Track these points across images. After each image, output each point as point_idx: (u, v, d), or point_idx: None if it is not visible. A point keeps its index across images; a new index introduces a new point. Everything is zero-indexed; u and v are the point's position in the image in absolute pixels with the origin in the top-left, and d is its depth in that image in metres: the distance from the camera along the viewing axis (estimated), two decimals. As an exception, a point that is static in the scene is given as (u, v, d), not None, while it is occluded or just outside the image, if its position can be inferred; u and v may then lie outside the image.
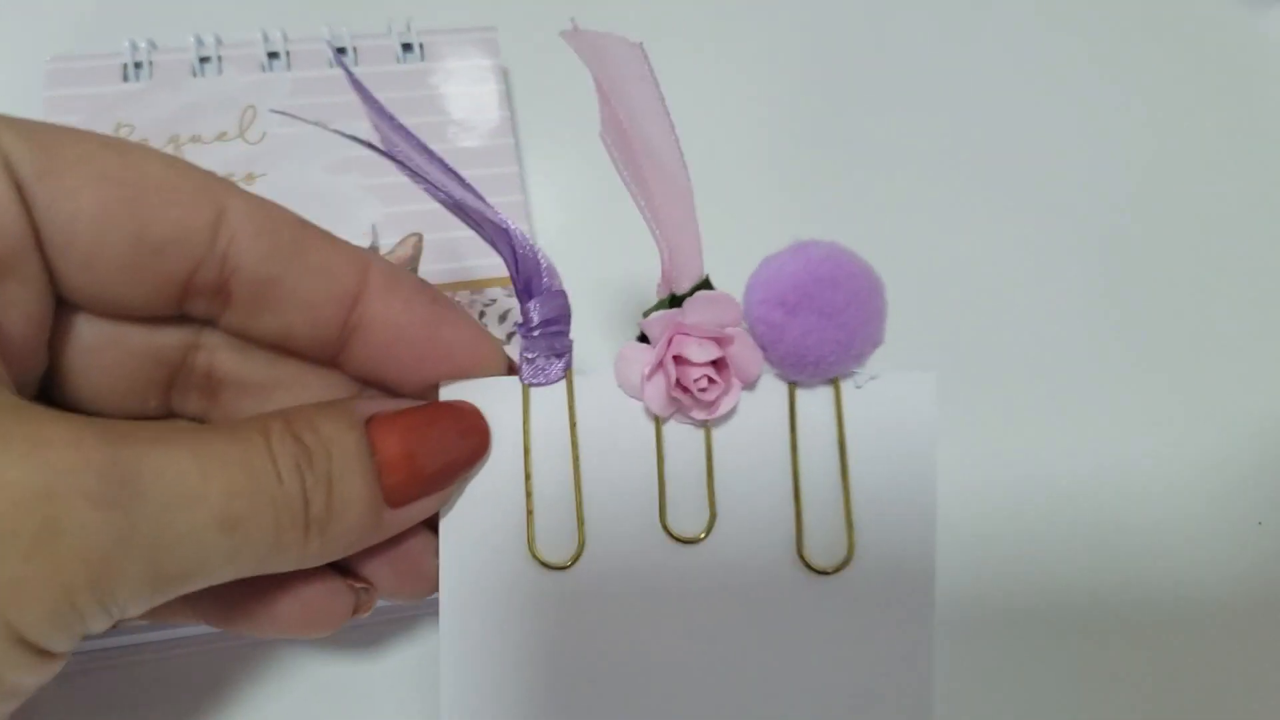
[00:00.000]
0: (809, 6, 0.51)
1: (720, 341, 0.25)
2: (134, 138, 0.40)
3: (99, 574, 0.20)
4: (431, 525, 0.27)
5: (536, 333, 0.26)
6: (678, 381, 0.25)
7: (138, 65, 0.42)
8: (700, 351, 0.25)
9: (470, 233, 0.40)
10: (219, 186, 0.24)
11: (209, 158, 0.40)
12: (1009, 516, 0.39)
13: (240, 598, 0.26)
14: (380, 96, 0.24)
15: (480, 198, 0.24)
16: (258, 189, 0.39)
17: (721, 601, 0.26)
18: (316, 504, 0.24)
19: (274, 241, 0.24)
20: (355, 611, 0.27)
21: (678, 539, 0.26)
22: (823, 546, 0.26)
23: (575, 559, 0.26)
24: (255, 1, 0.47)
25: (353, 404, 0.26)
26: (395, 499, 0.25)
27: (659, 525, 0.26)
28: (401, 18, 0.44)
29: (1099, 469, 0.40)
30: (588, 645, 0.26)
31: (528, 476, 0.26)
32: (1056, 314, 0.44)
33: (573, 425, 0.26)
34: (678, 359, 0.25)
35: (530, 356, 0.26)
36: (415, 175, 0.23)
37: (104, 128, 0.40)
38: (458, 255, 0.39)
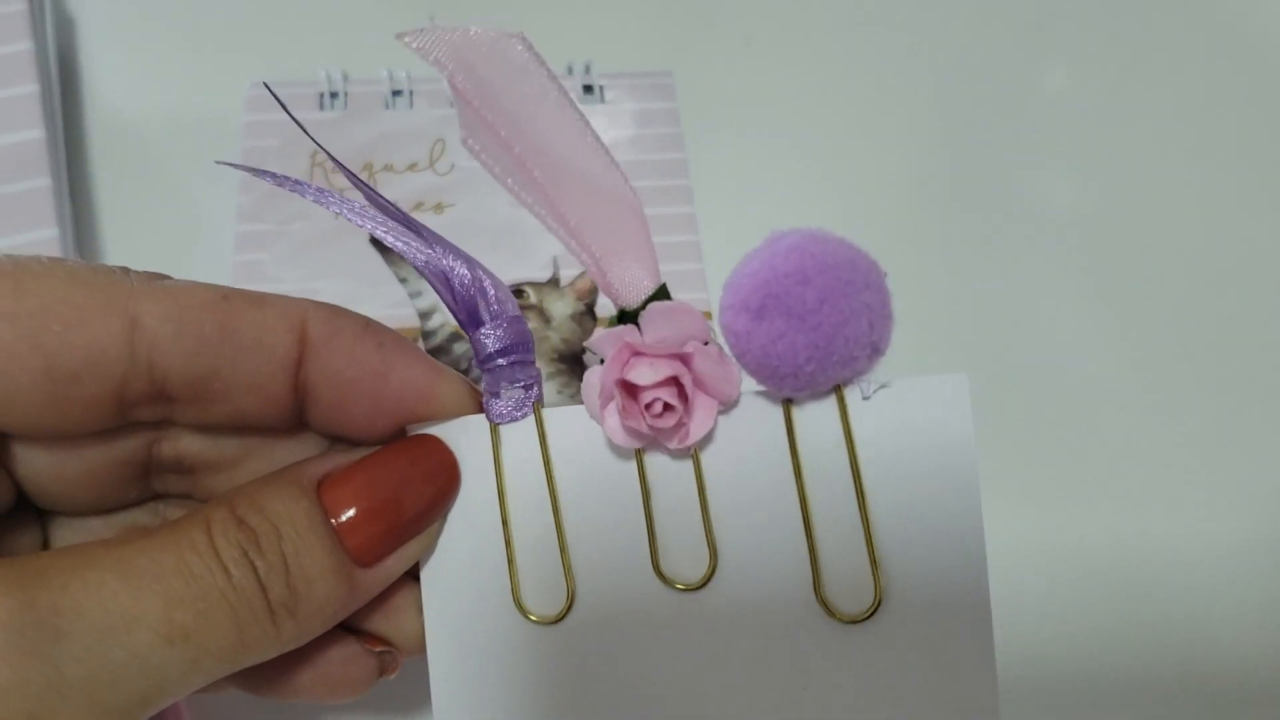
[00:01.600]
0: (949, 61, 0.51)
1: (681, 358, 0.22)
2: (329, 165, 0.42)
3: None
4: (414, 575, 0.25)
5: (496, 363, 0.23)
6: (632, 408, 0.22)
7: (333, 95, 0.44)
8: (650, 372, 0.22)
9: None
10: (126, 291, 0.22)
11: (400, 187, 0.42)
12: (1064, 589, 0.39)
13: (262, 672, 0.25)
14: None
15: (415, 228, 0.23)
16: (447, 218, 0.41)
17: (732, 657, 0.23)
18: (276, 587, 0.22)
19: (198, 336, 0.22)
20: (382, 673, 0.27)
21: (675, 585, 0.23)
22: (846, 589, 0.22)
23: (565, 612, 0.23)
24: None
25: (301, 469, 0.24)
26: (365, 558, 0.23)
27: (652, 571, 0.23)
28: (581, 60, 0.46)
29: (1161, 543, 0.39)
30: (585, 707, 0.24)
31: (505, 523, 0.24)
32: (1163, 401, 0.43)
33: (547, 464, 0.23)
34: (624, 384, 0.22)
35: (494, 391, 0.24)
36: (343, 209, 0.22)
37: (301, 153, 0.42)
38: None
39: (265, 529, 0.22)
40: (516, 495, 0.24)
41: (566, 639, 0.23)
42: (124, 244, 0.43)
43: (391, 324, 0.38)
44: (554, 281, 0.40)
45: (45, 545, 0.25)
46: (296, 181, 0.23)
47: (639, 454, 0.23)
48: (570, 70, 0.46)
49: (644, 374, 0.22)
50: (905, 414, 0.22)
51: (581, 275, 0.40)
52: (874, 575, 0.22)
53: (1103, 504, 0.40)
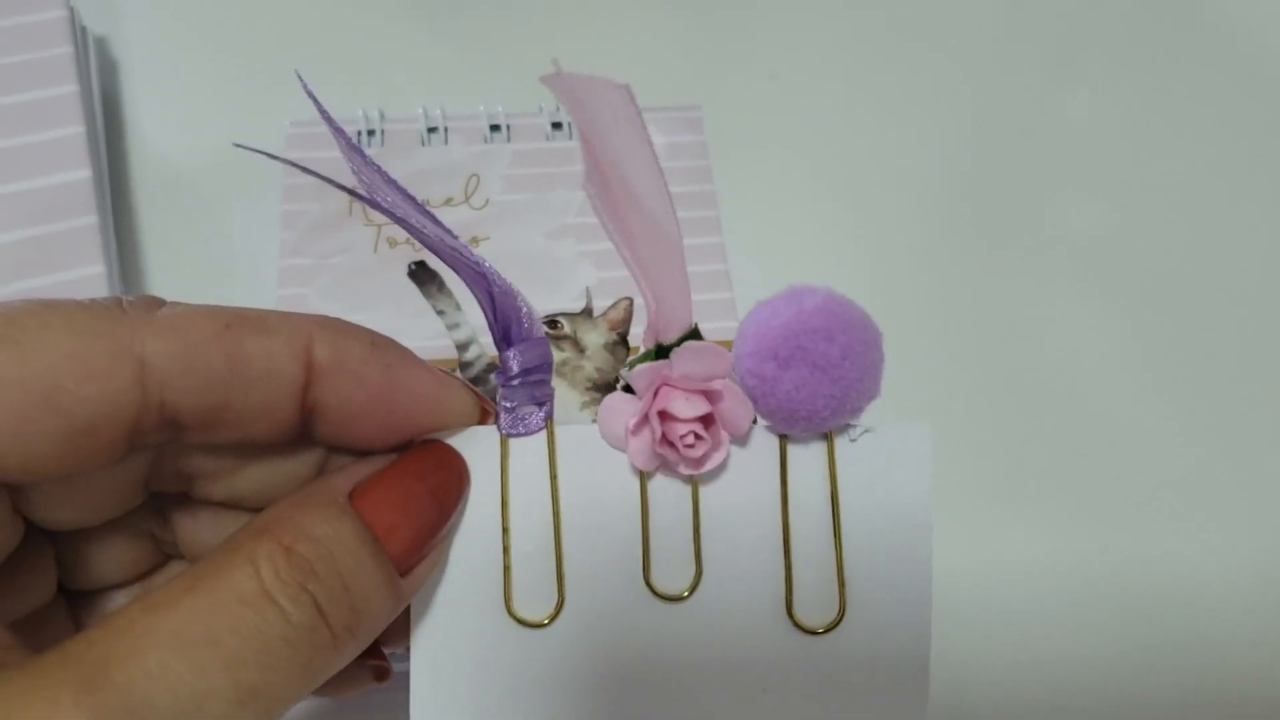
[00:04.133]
0: (972, 91, 0.52)
1: (709, 396, 0.24)
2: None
3: None
4: None
5: (516, 381, 0.25)
6: (664, 437, 0.24)
7: (370, 133, 0.45)
8: (688, 407, 0.24)
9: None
10: (129, 332, 0.22)
11: (436, 220, 0.43)
12: (1091, 610, 0.39)
13: None
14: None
15: (456, 241, 0.24)
16: (483, 250, 0.42)
17: (708, 661, 0.25)
18: (338, 613, 0.22)
19: (206, 373, 0.22)
20: (378, 679, 0.27)
21: (662, 596, 0.25)
22: (814, 605, 0.25)
23: (553, 616, 0.25)
24: (477, 77, 0.50)
25: (330, 485, 0.24)
26: (404, 566, 0.24)
27: (642, 582, 0.25)
28: (611, 95, 0.47)
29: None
30: (567, 708, 0.25)
31: (505, 530, 0.25)
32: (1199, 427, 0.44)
33: (553, 477, 0.25)
34: (663, 414, 0.24)
35: (509, 405, 0.25)
36: (396, 218, 0.23)
37: (340, 191, 0.43)
38: (667, 321, 0.41)
39: (319, 555, 0.22)
40: (517, 505, 0.25)
41: (553, 642, 0.25)
42: (168, 280, 0.44)
43: (429, 354, 0.39)
44: (587, 312, 0.41)
45: (57, 560, 0.26)
46: (351, 190, 0.24)
47: (644, 475, 0.25)
48: (600, 105, 0.46)
49: (682, 408, 0.24)
50: (879, 457, 0.25)
51: (614, 306, 0.41)
52: (840, 594, 0.25)
53: (1127, 525, 0.41)
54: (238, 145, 0.24)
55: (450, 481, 0.25)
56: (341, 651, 0.22)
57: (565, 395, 0.39)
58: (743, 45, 0.52)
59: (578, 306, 0.41)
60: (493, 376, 0.39)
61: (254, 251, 0.44)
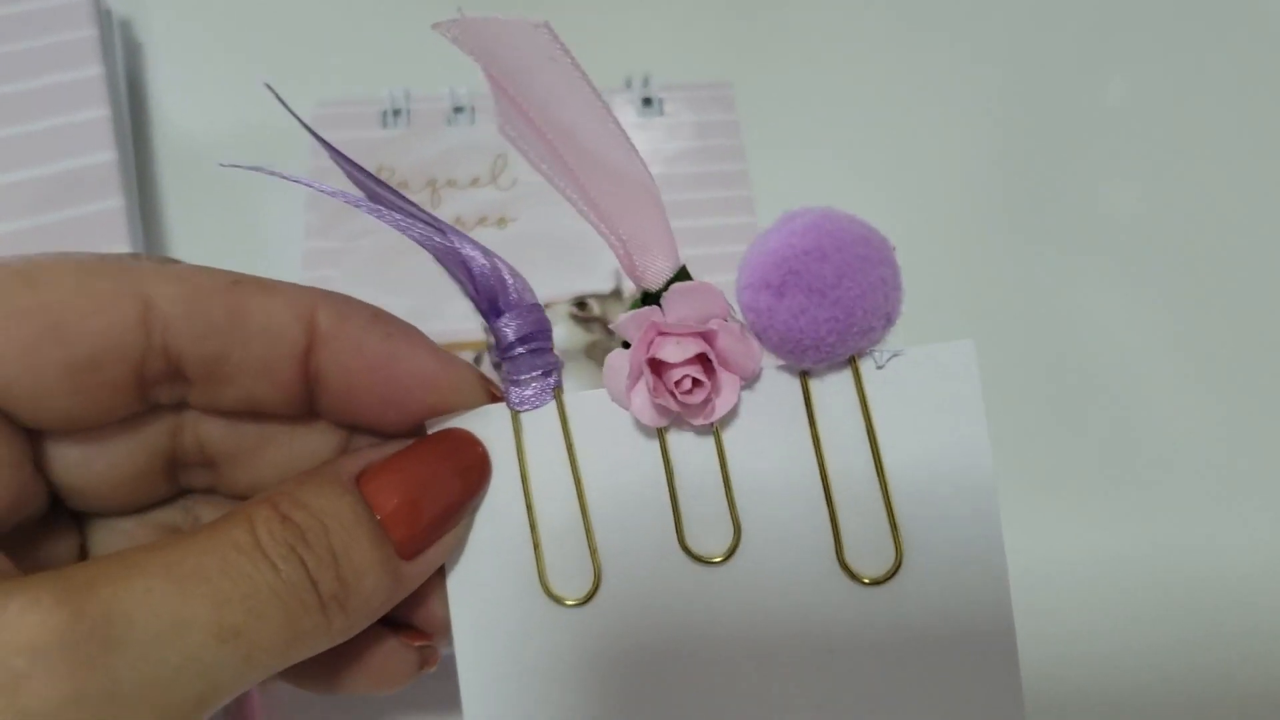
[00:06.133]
0: (1010, 71, 0.51)
1: (705, 337, 0.22)
2: (394, 180, 0.42)
3: None
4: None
5: (517, 351, 0.24)
6: (659, 385, 0.22)
7: (396, 112, 0.45)
8: (678, 350, 0.22)
9: (710, 277, 0.41)
10: (137, 276, 0.23)
11: (464, 202, 0.42)
12: (1126, 599, 0.38)
13: (305, 667, 0.25)
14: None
15: (434, 222, 0.23)
16: (509, 232, 0.41)
17: (762, 625, 0.23)
18: (326, 582, 0.22)
19: (207, 319, 0.23)
20: (422, 667, 0.27)
21: (700, 559, 0.24)
22: (868, 553, 0.23)
23: (592, 593, 0.24)
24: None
25: (338, 465, 0.24)
26: (408, 551, 0.24)
27: (678, 547, 0.24)
28: (640, 73, 0.46)
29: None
30: (618, 685, 0.24)
31: (530, 508, 0.24)
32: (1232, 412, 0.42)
33: (569, 447, 0.24)
34: (653, 362, 0.22)
35: (515, 379, 0.24)
36: (369, 206, 0.23)
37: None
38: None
39: (311, 524, 0.23)
40: (539, 481, 0.24)
41: (594, 619, 0.24)
42: (194, 260, 0.43)
43: (457, 338, 0.39)
44: (617, 293, 0.40)
45: (82, 550, 0.26)
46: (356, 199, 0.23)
47: (661, 433, 0.24)
48: (629, 84, 0.46)
49: (671, 352, 0.22)
50: (917, 381, 0.23)
51: (645, 287, 0.40)
52: (894, 537, 0.23)
53: (1168, 513, 0.39)
54: (224, 165, 0.24)
55: (464, 467, 0.25)
56: (330, 621, 0.23)
57: (596, 377, 0.38)
58: (775, 22, 0.50)
59: (607, 288, 0.40)
60: (487, 353, 0.39)
61: (279, 234, 0.43)
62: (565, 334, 0.39)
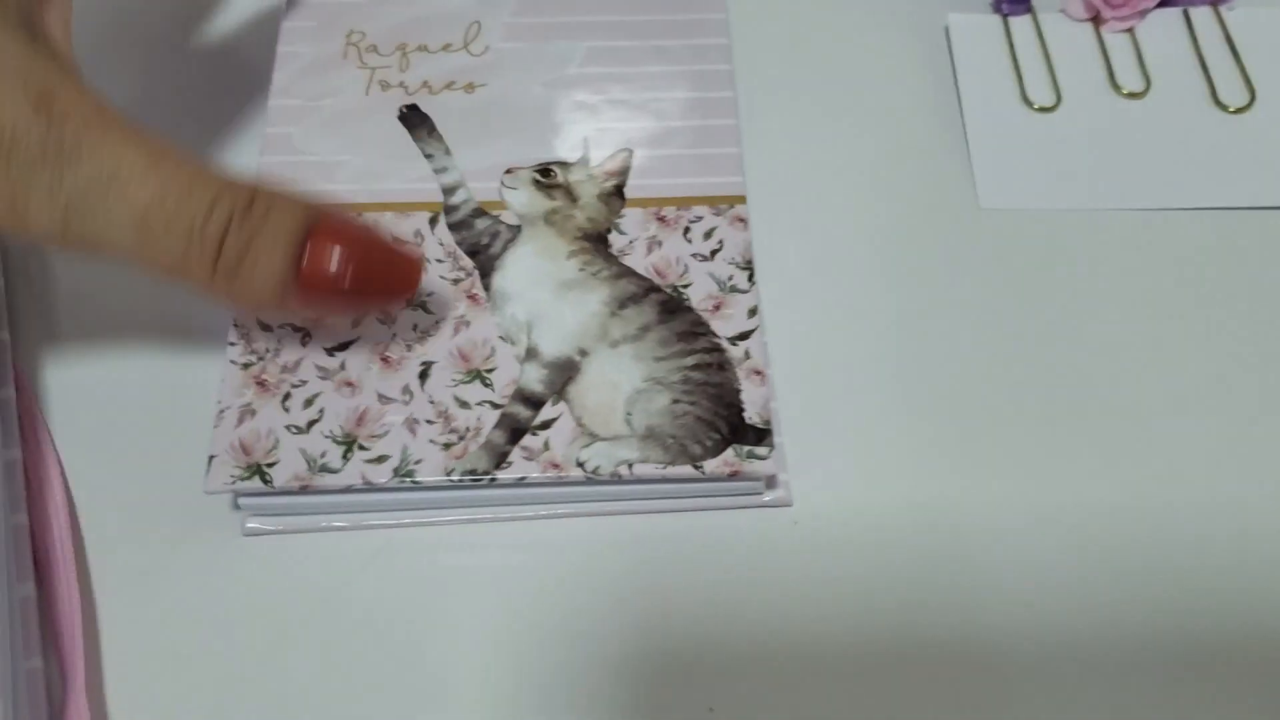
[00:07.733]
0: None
1: None
2: (364, 45, 0.42)
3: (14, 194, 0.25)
4: None
5: None
6: None
7: (370, -23, 0.44)
8: None
9: (680, 151, 0.40)
10: None
11: (433, 66, 0.41)
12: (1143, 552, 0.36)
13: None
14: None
15: None
16: (477, 97, 0.40)
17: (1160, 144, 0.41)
18: (230, 252, 0.27)
19: None
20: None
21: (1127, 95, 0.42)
22: (1229, 94, 0.41)
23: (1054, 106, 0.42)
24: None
25: (315, 204, 0.28)
26: (305, 294, 0.28)
27: (1107, 85, 0.43)
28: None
29: None
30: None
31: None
32: None
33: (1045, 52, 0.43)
34: None
35: None
36: None
37: (337, 35, 0.42)
38: (666, 172, 0.39)
39: (257, 210, 0.27)
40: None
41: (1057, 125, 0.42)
42: (160, 118, 0.43)
43: (415, 198, 0.38)
44: (583, 162, 0.39)
45: None
46: None
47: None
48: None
49: None
50: None
51: (611, 157, 0.39)
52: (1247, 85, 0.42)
53: (1174, 468, 0.38)
54: None
55: (390, 282, 0.30)
56: (214, 281, 0.27)
57: (553, 243, 0.37)
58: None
59: (574, 157, 0.39)
60: (478, 221, 0.38)
61: (244, 94, 0.43)
62: (526, 199, 0.38)
